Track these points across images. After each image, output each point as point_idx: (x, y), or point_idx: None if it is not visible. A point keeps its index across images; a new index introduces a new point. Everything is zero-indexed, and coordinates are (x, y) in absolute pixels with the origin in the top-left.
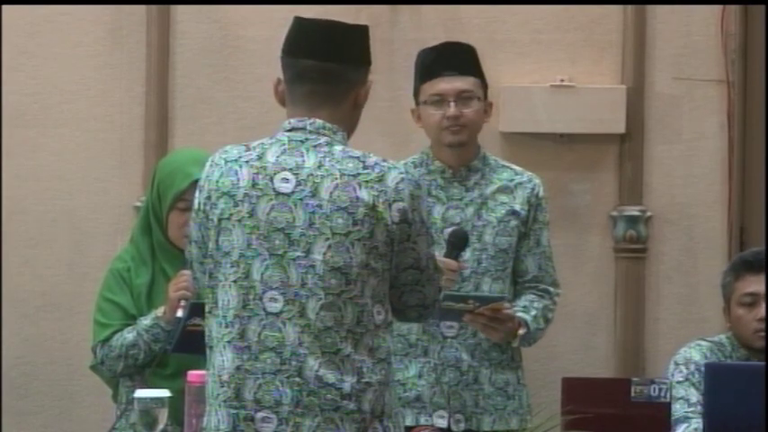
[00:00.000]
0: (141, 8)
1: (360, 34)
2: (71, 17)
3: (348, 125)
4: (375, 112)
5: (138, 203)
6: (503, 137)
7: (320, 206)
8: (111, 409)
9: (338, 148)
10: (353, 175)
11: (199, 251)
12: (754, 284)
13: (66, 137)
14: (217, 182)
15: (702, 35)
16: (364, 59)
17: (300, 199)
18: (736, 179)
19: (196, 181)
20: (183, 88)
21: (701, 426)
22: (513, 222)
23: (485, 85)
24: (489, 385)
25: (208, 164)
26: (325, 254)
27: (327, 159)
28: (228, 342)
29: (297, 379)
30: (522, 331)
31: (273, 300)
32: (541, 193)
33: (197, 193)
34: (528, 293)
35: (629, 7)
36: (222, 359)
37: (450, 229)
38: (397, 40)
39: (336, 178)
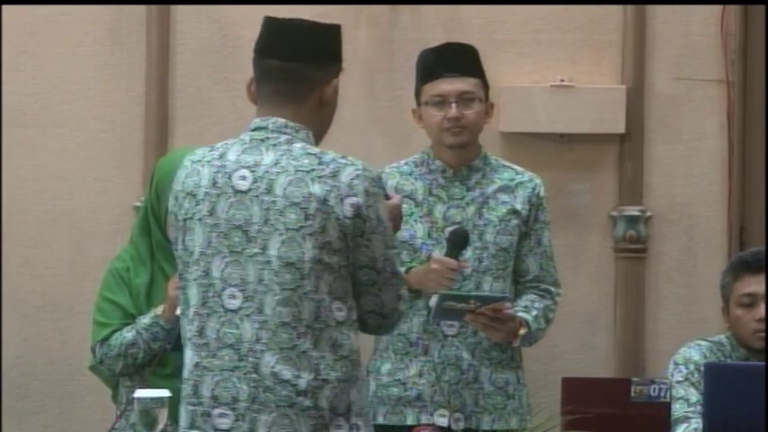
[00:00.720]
0: (141, 8)
1: (325, 33)
2: (71, 17)
3: (315, 124)
4: (375, 112)
5: (138, 203)
6: (503, 137)
7: (274, 202)
8: (111, 409)
9: (298, 145)
10: (308, 171)
11: (176, 253)
12: (753, 285)
13: (66, 137)
14: (183, 183)
15: (702, 35)
16: (328, 57)
17: (257, 196)
18: (736, 179)
19: None
20: (183, 88)
21: (700, 425)
22: (514, 221)
23: (486, 86)
24: (489, 384)
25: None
26: (279, 249)
27: (285, 157)
28: (189, 339)
29: (253, 375)
30: (523, 331)
31: (232, 297)
32: (542, 193)
33: (170, 197)
34: (529, 293)
35: (629, 7)
36: (185, 357)
37: (450, 228)
38: (397, 40)
39: (291, 174)
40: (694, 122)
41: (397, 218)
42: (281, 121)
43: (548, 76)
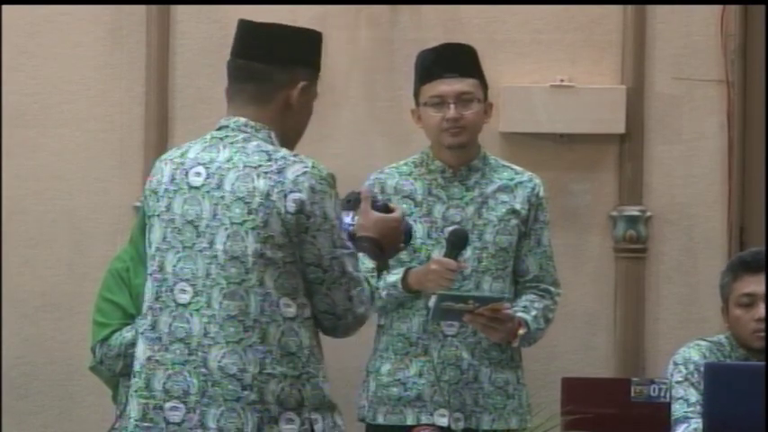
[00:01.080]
0: (141, 8)
1: (296, 36)
2: (71, 17)
3: (283, 126)
4: (375, 113)
5: (138, 203)
6: (503, 137)
7: (223, 197)
8: (111, 409)
9: (254, 143)
10: (255, 167)
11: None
12: (752, 285)
13: (67, 137)
14: (149, 182)
15: (702, 35)
16: (296, 61)
17: (208, 191)
18: (735, 179)
19: None
20: (183, 88)
21: (700, 426)
22: (514, 221)
23: (485, 86)
24: (489, 384)
25: None
26: (225, 243)
27: (238, 154)
28: (142, 333)
29: (203, 369)
30: (522, 331)
31: (183, 291)
32: (542, 193)
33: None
34: (528, 293)
35: (629, 7)
36: (137, 350)
37: (449, 229)
38: (397, 40)
39: (240, 170)
40: (694, 122)
41: (391, 233)
42: (242, 120)
43: (548, 76)
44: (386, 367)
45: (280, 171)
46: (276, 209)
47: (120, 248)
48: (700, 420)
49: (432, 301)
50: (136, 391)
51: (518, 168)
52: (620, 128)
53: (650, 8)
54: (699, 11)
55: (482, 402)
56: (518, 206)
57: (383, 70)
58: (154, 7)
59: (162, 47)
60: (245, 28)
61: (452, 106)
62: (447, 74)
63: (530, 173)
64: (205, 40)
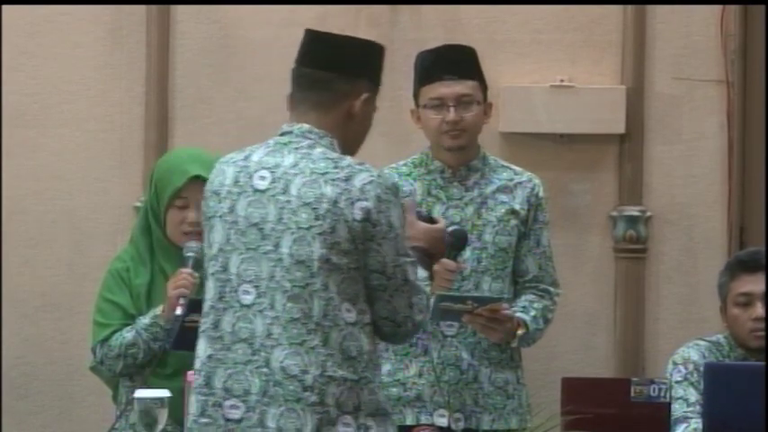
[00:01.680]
0: (141, 8)
1: (359, 48)
2: (71, 17)
3: (344, 135)
4: (375, 112)
5: (138, 203)
6: (503, 137)
7: (289, 202)
8: (111, 409)
9: (318, 150)
10: (322, 174)
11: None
12: (750, 284)
13: (67, 137)
14: (210, 182)
15: (702, 35)
16: (358, 72)
17: (273, 195)
18: (735, 179)
19: (193, 178)
20: (183, 88)
21: (700, 425)
22: (513, 222)
23: (484, 87)
24: (489, 384)
25: None
26: (290, 247)
27: (304, 160)
28: (203, 332)
29: (264, 369)
30: (521, 332)
31: (246, 292)
32: (541, 194)
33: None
34: (528, 293)
35: (629, 7)
36: (198, 348)
37: (449, 229)
38: (397, 40)
39: (306, 176)
40: (694, 122)
41: (437, 243)
42: (306, 126)
43: (548, 76)
44: (386, 367)
45: (347, 179)
46: (343, 216)
47: (120, 248)
48: (699, 420)
49: (431, 302)
50: (195, 388)
51: (517, 169)
52: (620, 128)
53: (650, 8)
54: (699, 11)
55: (482, 402)
56: (517, 206)
57: (383, 70)
58: (154, 7)
59: (162, 47)
60: (311, 37)
61: (452, 109)
62: (446, 76)
63: (529, 173)
64: (205, 40)
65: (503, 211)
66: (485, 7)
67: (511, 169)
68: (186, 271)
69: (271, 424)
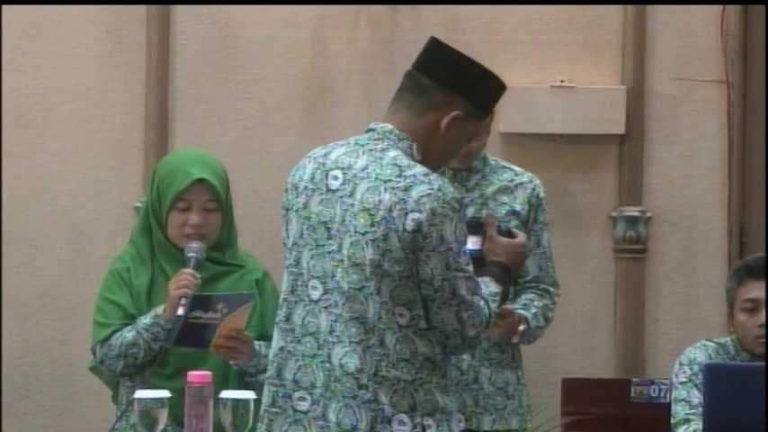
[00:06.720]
0: (141, 8)
1: (476, 70)
2: (71, 17)
3: (426, 145)
4: (375, 113)
5: (138, 204)
6: (503, 137)
7: (352, 205)
8: (111, 409)
9: (391, 154)
10: (385, 180)
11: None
12: (756, 290)
13: (66, 137)
14: (292, 175)
15: (702, 35)
16: (461, 90)
17: (341, 197)
18: (736, 179)
19: (196, 181)
20: (182, 88)
21: (700, 428)
22: (514, 222)
23: None
24: (489, 385)
25: None
26: (349, 249)
27: (374, 164)
28: (276, 324)
29: (327, 365)
30: (522, 327)
31: (314, 288)
32: (542, 194)
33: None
34: (528, 293)
35: (629, 7)
36: (273, 340)
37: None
38: (397, 40)
39: (371, 181)
40: (694, 123)
41: (519, 258)
42: (389, 127)
43: (548, 76)
44: None
45: (406, 188)
46: (395, 225)
47: (120, 248)
48: (700, 423)
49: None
50: (267, 379)
51: (518, 169)
52: (620, 128)
53: (650, 8)
54: (699, 11)
55: (482, 403)
56: (518, 207)
57: (383, 71)
58: (154, 7)
59: (162, 47)
60: (432, 45)
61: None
62: None
63: (530, 173)
64: (205, 40)
65: (503, 211)
66: (485, 7)
67: (511, 170)
68: (188, 271)
69: (332, 417)
